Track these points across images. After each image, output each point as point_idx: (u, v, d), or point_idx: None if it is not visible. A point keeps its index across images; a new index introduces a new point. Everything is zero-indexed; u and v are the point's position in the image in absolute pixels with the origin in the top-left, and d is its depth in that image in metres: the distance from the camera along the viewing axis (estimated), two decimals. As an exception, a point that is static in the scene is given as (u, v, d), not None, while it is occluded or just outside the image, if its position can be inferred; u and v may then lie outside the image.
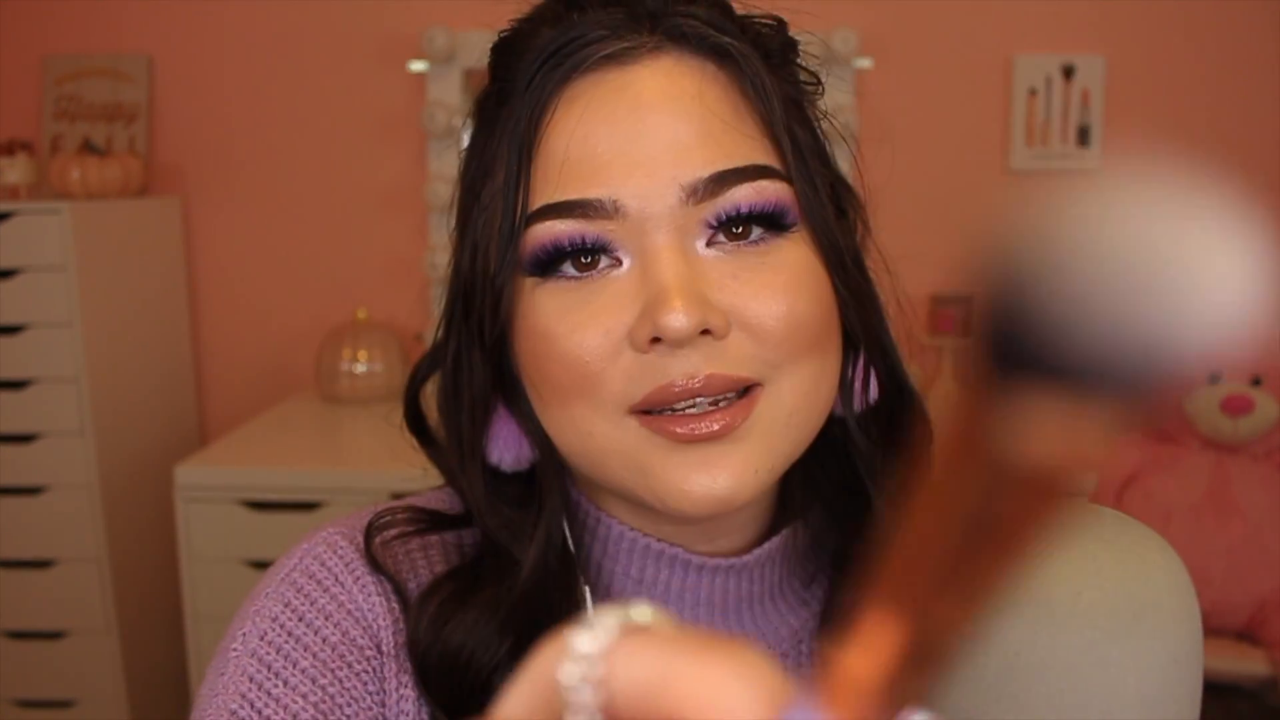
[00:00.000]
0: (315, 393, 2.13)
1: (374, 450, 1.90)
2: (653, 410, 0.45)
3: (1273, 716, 1.80)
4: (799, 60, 0.53)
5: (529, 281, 0.47)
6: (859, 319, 0.50)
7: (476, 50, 2.10)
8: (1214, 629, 1.88)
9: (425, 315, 2.21)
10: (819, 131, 0.52)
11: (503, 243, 0.47)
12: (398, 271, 2.21)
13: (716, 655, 0.17)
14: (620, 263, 0.46)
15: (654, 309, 0.43)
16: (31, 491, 1.86)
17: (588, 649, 0.19)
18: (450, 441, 0.53)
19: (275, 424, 1.97)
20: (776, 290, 0.45)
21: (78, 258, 1.82)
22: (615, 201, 0.45)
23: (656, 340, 0.44)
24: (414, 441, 0.57)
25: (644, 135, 0.45)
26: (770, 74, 0.48)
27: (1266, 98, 2.18)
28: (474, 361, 0.50)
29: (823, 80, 0.53)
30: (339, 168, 2.20)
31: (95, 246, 1.88)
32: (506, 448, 0.52)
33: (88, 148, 2.06)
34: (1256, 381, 1.93)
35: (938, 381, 2.17)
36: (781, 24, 0.52)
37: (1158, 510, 1.91)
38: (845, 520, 0.56)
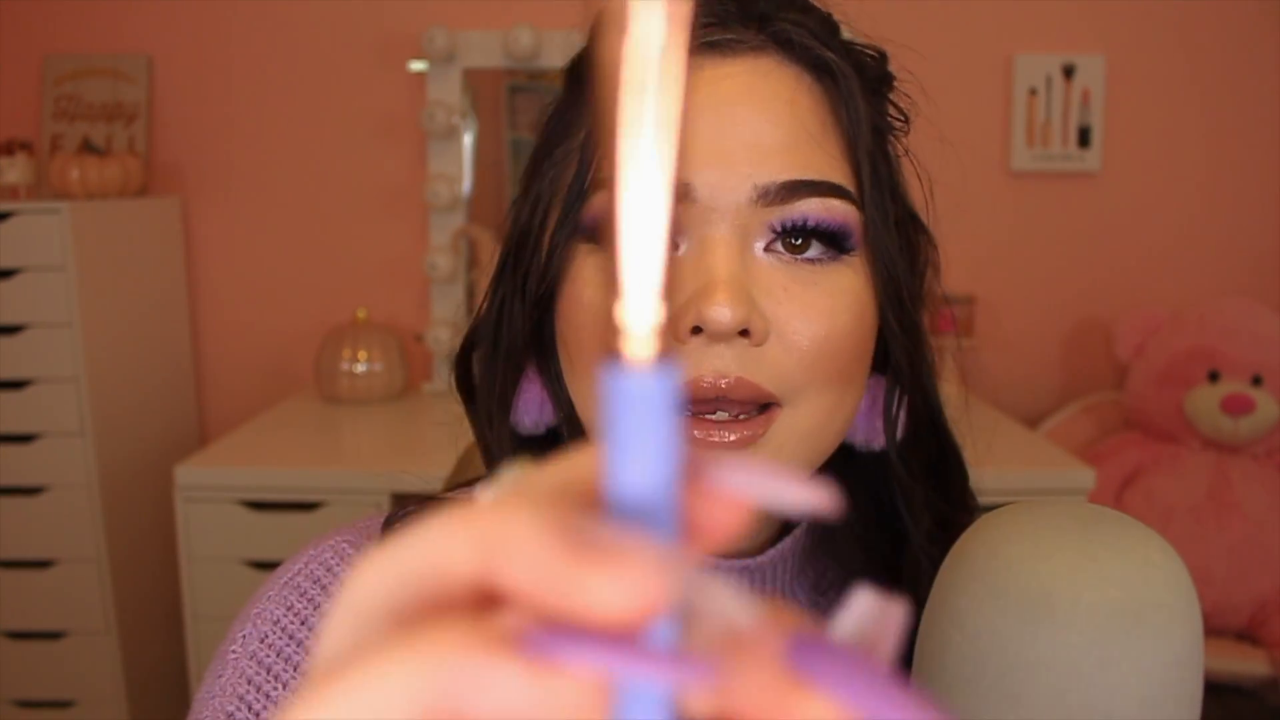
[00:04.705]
0: (315, 393, 2.13)
1: (374, 450, 1.90)
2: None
3: (1273, 716, 1.79)
4: (891, 95, 0.53)
5: (584, 248, 0.47)
6: (906, 356, 0.50)
7: (476, 50, 2.10)
8: (1215, 629, 1.88)
9: (425, 315, 2.21)
10: (896, 167, 0.52)
11: (568, 202, 0.47)
12: (398, 271, 2.21)
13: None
14: (677, 247, 0.46)
15: (701, 298, 0.43)
16: (31, 491, 1.86)
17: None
18: (484, 394, 0.54)
19: (275, 424, 1.97)
20: (821, 312, 0.45)
21: (77, 258, 1.81)
22: (686, 185, 0.44)
23: (696, 331, 0.44)
24: (458, 400, 0.57)
25: (729, 129, 0.45)
26: (864, 99, 0.48)
27: (1266, 98, 2.18)
28: (515, 313, 0.51)
29: (910, 119, 0.53)
30: (339, 168, 2.20)
31: (95, 246, 1.88)
32: (528, 410, 0.52)
33: (87, 148, 2.06)
34: (1257, 381, 1.93)
35: (939, 382, 2.16)
36: (883, 56, 0.52)
37: (1158, 510, 1.91)
38: (855, 524, 0.56)
